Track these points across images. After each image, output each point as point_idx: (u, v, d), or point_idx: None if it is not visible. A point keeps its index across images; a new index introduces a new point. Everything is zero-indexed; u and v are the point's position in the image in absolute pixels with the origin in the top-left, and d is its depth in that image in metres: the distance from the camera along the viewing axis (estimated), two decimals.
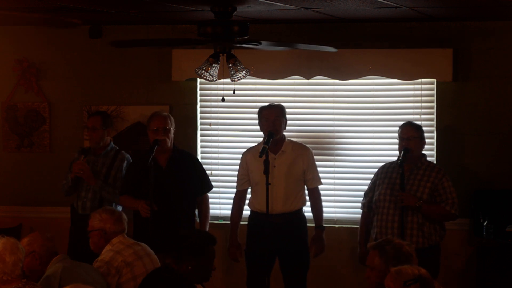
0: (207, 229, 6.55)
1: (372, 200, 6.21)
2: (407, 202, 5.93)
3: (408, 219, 5.97)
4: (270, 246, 6.25)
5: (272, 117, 6.30)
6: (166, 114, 6.55)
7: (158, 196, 6.25)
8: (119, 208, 6.68)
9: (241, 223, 6.59)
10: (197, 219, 6.69)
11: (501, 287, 6.46)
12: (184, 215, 6.44)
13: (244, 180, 6.50)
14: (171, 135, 6.43)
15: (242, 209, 6.59)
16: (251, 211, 6.47)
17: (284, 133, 6.41)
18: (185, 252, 4.56)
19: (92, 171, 6.64)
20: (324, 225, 6.53)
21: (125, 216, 5.35)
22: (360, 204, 6.69)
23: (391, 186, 6.08)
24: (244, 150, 6.60)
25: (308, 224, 6.47)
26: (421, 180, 6.04)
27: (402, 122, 6.35)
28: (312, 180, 6.40)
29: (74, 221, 6.74)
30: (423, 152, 6.19)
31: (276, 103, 6.46)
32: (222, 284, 7.28)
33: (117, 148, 6.85)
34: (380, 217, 6.10)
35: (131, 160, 6.78)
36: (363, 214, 6.36)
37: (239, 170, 6.54)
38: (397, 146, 6.19)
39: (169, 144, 6.41)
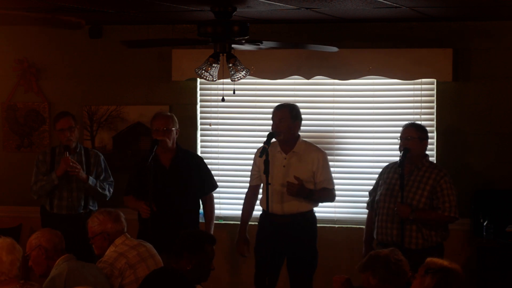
0: (212, 229, 6.55)
1: (375, 200, 6.22)
2: (400, 214, 5.93)
3: (408, 221, 5.96)
4: (278, 246, 6.25)
5: (277, 118, 6.30)
6: (169, 114, 6.55)
7: (161, 196, 6.25)
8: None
9: (251, 223, 6.59)
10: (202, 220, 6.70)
11: (501, 287, 6.46)
12: (188, 215, 6.43)
13: (256, 176, 6.47)
14: (173, 135, 6.42)
15: (253, 205, 6.57)
16: (262, 210, 6.46)
17: (299, 133, 6.39)
18: (184, 250, 4.56)
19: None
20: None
21: (122, 214, 5.34)
22: (361, 204, 6.72)
23: (392, 187, 6.08)
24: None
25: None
26: (421, 182, 6.02)
27: (401, 122, 6.36)
28: (322, 183, 6.32)
29: (55, 224, 6.60)
30: (426, 153, 6.18)
31: (286, 103, 6.42)
32: (227, 284, 7.28)
33: (84, 146, 6.91)
34: (380, 217, 6.10)
35: (102, 156, 6.83)
36: (368, 213, 6.37)
37: (252, 166, 6.53)
38: (397, 146, 6.19)
39: (169, 144, 6.40)
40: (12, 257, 4.57)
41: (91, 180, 6.67)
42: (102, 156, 6.87)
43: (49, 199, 6.76)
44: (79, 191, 6.69)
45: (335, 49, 6.00)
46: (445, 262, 4.05)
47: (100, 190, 6.72)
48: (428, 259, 4.11)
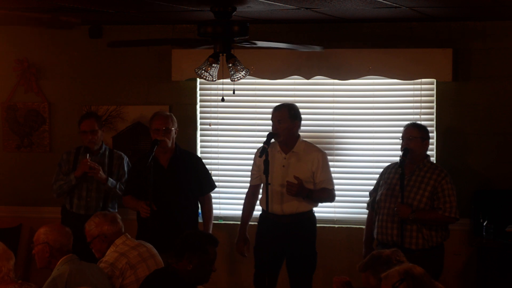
0: (211, 229, 6.55)
1: (375, 200, 6.22)
2: (401, 214, 5.94)
3: (408, 221, 5.96)
4: (278, 246, 6.25)
5: (275, 119, 6.30)
6: (168, 114, 6.55)
7: (160, 196, 6.25)
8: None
9: (250, 223, 6.59)
10: (201, 220, 6.70)
11: (501, 287, 6.46)
12: (186, 215, 6.44)
13: (256, 175, 6.47)
14: (173, 135, 6.43)
15: (253, 205, 6.57)
16: (262, 210, 6.45)
17: (300, 133, 6.39)
18: (185, 250, 4.56)
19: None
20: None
21: (119, 216, 5.34)
22: (361, 204, 6.72)
23: (392, 187, 6.08)
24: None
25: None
26: (422, 182, 6.02)
27: (401, 122, 6.36)
28: (321, 183, 6.31)
29: (72, 222, 6.66)
30: (427, 153, 6.18)
31: (284, 104, 6.42)
32: (226, 284, 7.28)
33: (108, 147, 6.88)
34: (380, 217, 6.10)
35: (127, 158, 6.79)
36: (368, 213, 6.36)
37: (252, 166, 6.53)
38: (397, 146, 6.19)
39: (169, 144, 6.41)
40: (10, 261, 4.57)
41: (110, 181, 6.64)
42: (127, 158, 6.82)
43: (69, 198, 6.77)
44: (98, 192, 6.68)
45: (319, 48, 5.99)
46: (400, 269, 3.94)
47: (119, 192, 6.67)
48: (382, 276, 3.93)
